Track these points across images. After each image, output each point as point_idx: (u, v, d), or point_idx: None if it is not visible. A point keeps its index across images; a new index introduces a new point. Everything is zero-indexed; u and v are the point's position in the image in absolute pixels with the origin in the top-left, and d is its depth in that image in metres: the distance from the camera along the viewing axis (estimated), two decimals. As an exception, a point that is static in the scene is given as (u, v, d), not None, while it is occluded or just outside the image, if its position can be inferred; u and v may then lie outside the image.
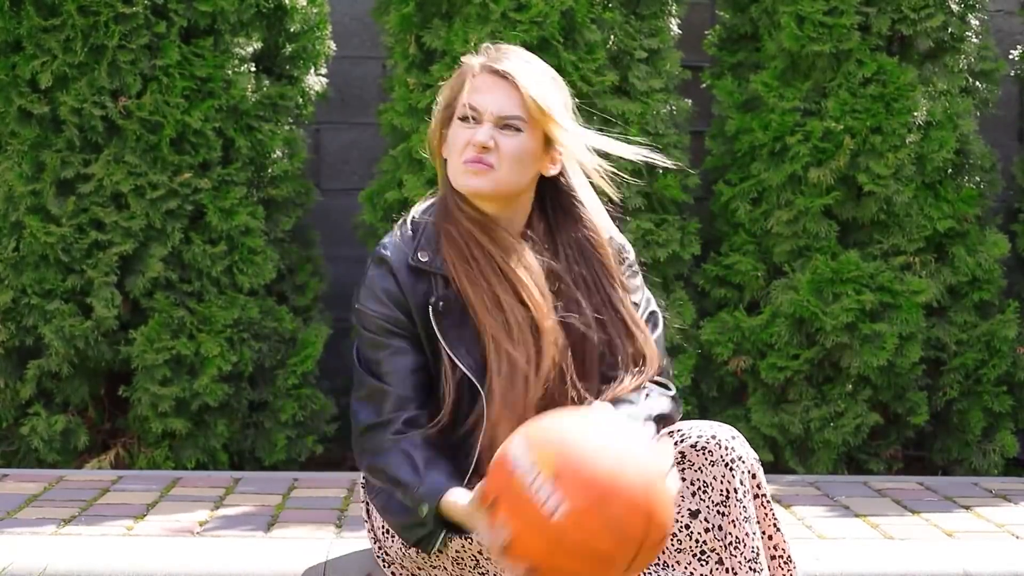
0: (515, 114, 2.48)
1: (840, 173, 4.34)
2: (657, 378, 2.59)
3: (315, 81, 4.48)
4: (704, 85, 4.62)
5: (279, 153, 4.37)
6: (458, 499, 2.40)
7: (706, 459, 2.47)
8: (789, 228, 4.38)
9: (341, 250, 4.87)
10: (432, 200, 2.63)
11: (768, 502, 2.51)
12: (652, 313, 2.66)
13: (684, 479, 2.47)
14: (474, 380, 2.50)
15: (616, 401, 2.50)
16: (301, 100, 4.44)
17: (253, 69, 4.32)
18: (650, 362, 2.56)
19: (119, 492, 3.77)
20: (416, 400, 2.52)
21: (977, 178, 4.48)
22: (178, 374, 4.20)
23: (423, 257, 2.53)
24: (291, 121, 4.42)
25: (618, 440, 2.21)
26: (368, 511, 2.70)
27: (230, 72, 4.24)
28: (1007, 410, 4.45)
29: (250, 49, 4.32)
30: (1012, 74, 4.87)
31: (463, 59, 2.58)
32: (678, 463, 2.47)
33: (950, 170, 4.44)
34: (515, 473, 2.17)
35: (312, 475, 4.14)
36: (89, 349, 4.18)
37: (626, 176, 2.65)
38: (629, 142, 2.62)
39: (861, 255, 4.37)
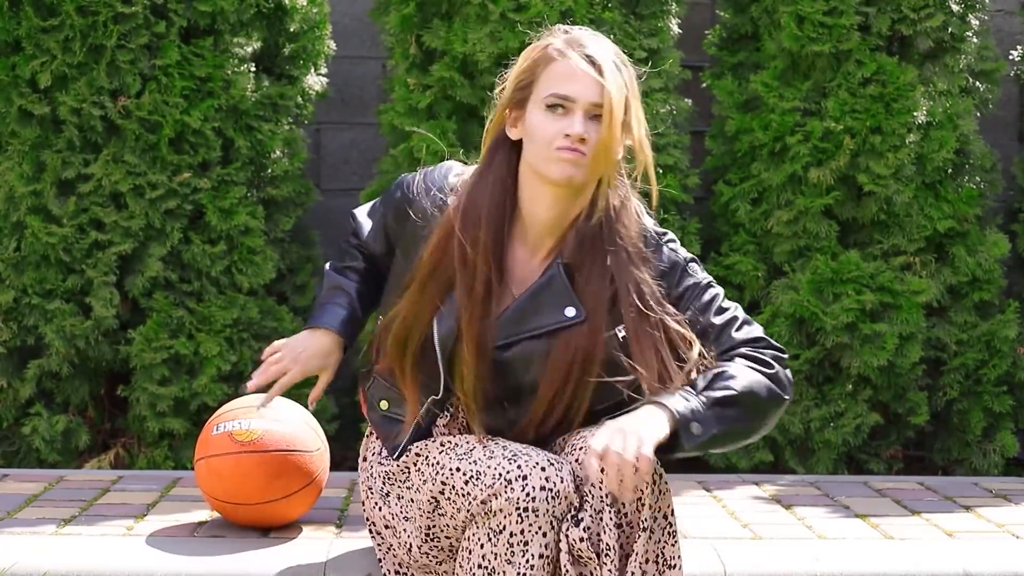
0: (599, 102, 2.47)
1: (840, 173, 4.34)
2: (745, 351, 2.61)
3: (315, 81, 4.48)
4: (704, 85, 4.62)
5: (279, 153, 4.36)
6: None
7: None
8: (789, 228, 4.38)
9: (341, 250, 4.86)
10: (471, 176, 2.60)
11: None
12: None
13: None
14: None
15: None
16: (301, 100, 4.44)
17: (253, 69, 4.32)
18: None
19: (119, 492, 3.77)
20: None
21: (977, 178, 4.48)
22: (177, 374, 4.20)
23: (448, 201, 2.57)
24: (291, 121, 4.42)
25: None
26: (365, 504, 2.72)
27: (230, 72, 4.24)
28: (1007, 410, 4.45)
29: (250, 49, 4.32)
30: (1012, 74, 4.87)
31: (540, 42, 2.55)
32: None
33: (950, 170, 4.44)
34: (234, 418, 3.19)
35: (312, 475, 4.13)
36: (89, 349, 4.18)
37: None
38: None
39: (861, 255, 4.37)
